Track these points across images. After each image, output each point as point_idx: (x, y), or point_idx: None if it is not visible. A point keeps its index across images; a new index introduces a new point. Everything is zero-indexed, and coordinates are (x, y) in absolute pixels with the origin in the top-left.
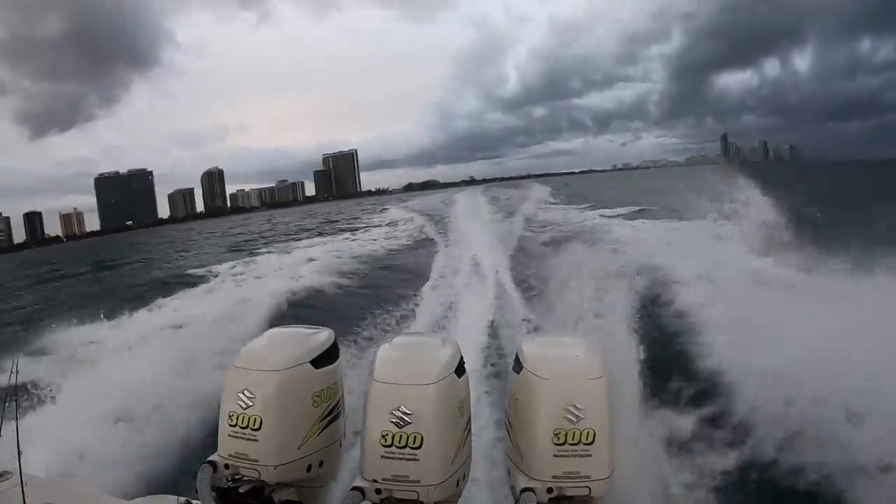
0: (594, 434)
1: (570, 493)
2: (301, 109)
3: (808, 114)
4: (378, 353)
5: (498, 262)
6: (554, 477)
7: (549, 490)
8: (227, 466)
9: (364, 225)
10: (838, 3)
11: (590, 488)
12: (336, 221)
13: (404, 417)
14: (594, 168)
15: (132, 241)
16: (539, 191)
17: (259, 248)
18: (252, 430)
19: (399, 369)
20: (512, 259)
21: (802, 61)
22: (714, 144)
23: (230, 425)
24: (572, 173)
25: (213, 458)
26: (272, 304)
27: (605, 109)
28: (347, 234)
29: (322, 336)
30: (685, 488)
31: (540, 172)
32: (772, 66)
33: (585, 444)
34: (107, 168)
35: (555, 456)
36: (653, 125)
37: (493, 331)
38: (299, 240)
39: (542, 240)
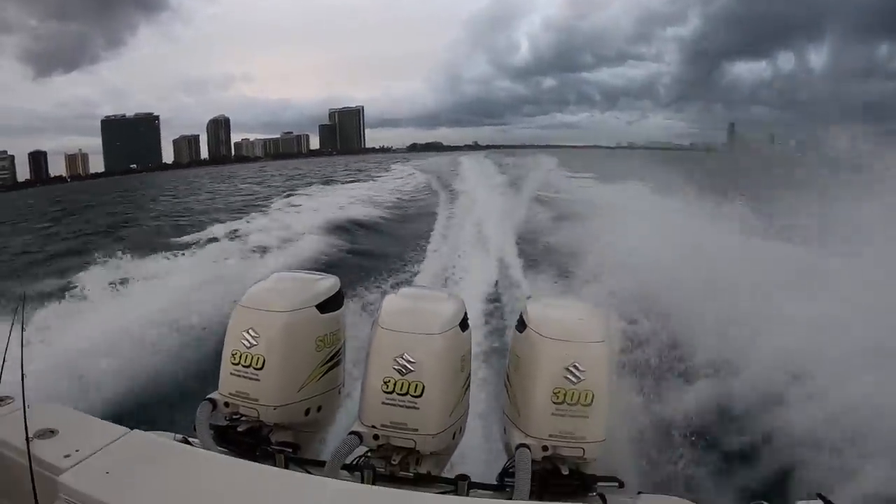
0: (593, 396)
1: (564, 452)
2: (308, 62)
3: (819, 112)
4: (384, 301)
5: (503, 228)
6: (550, 436)
7: (545, 448)
8: (226, 405)
9: (367, 178)
10: (858, 0)
11: (584, 449)
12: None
13: (407, 365)
14: (599, 144)
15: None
16: (547, 161)
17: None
18: (255, 369)
19: (405, 318)
20: (518, 226)
21: (818, 58)
22: (721, 132)
23: (233, 363)
24: (576, 147)
25: (212, 395)
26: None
27: (614, 86)
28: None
29: (328, 282)
30: (670, 462)
31: (543, 143)
32: (786, 60)
33: (584, 406)
34: (109, 111)
35: (552, 415)
36: (661, 107)
37: (495, 293)
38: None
39: (548, 209)
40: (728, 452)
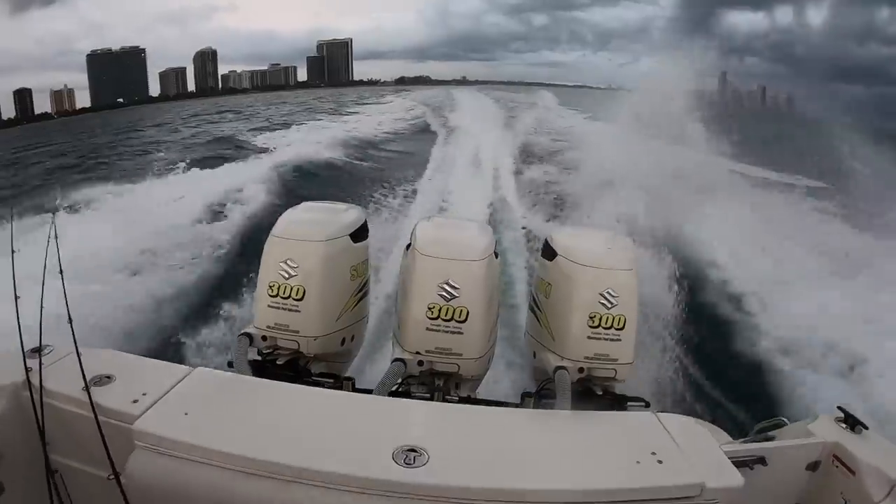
0: (625, 320)
1: (598, 374)
2: None
3: (813, 69)
4: (417, 229)
5: (500, 156)
6: (586, 357)
7: (581, 370)
8: (264, 338)
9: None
10: None
11: (616, 370)
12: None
13: (452, 291)
14: (588, 84)
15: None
16: (547, 98)
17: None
18: (294, 300)
19: (443, 246)
20: (515, 157)
21: (817, 15)
22: (713, 80)
23: (270, 296)
24: (566, 86)
25: (248, 329)
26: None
27: (607, 27)
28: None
29: (355, 212)
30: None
31: (532, 81)
32: (784, 14)
33: (617, 329)
34: (89, 45)
35: (588, 338)
36: (654, 51)
37: (491, 220)
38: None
39: (545, 142)
40: None
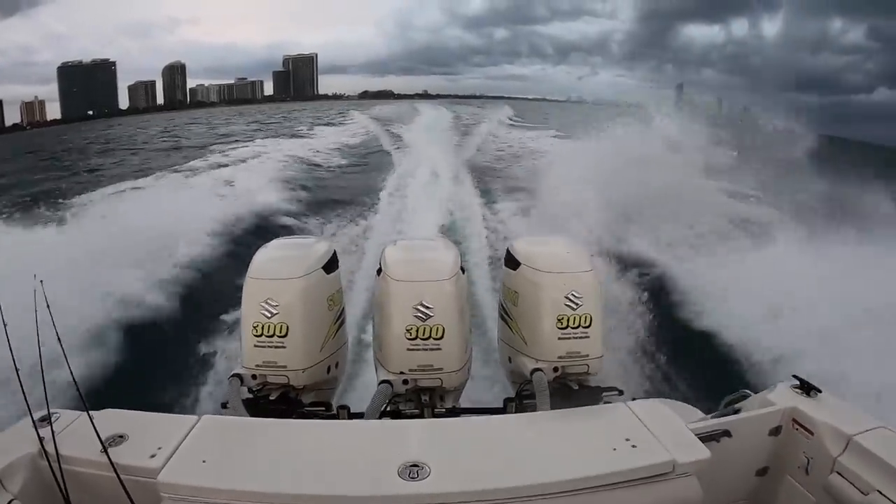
0: (591, 318)
1: (571, 371)
2: (256, 4)
3: (768, 80)
4: (386, 254)
5: (458, 170)
6: (559, 357)
7: (555, 369)
8: (254, 377)
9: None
10: None
11: (588, 365)
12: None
13: (427, 311)
14: (548, 97)
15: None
16: (504, 111)
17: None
18: (279, 337)
19: (413, 268)
20: (471, 169)
21: (771, 27)
22: (670, 91)
23: (255, 335)
24: (526, 99)
25: (237, 370)
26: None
27: (567, 41)
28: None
29: (324, 244)
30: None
31: (493, 94)
32: (740, 26)
33: (584, 328)
34: (49, 57)
35: (559, 339)
36: (613, 64)
37: (449, 233)
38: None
39: (500, 155)
40: None
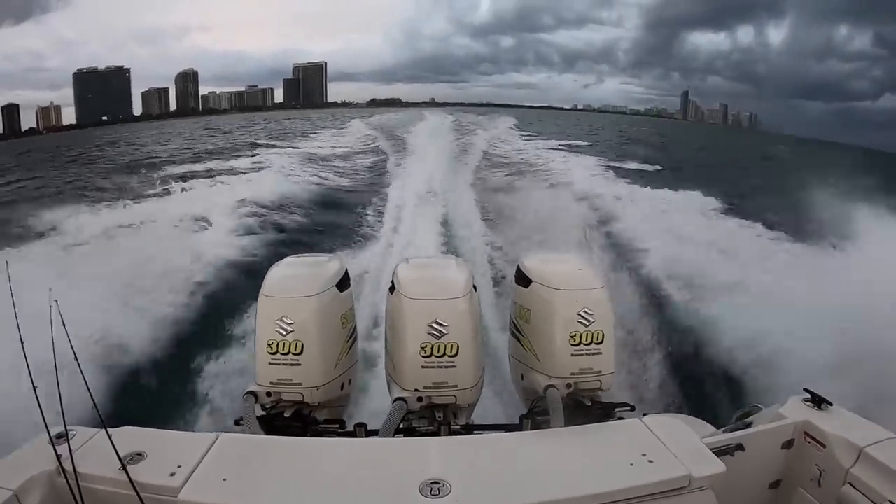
0: (603, 335)
1: (585, 386)
2: (265, 11)
3: (774, 87)
4: (398, 272)
5: (459, 185)
6: (572, 374)
7: (568, 385)
8: (268, 394)
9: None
10: None
11: (600, 381)
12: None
13: (441, 329)
14: (554, 105)
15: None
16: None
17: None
18: (294, 354)
19: (426, 286)
20: (474, 183)
21: (777, 34)
22: (676, 99)
23: (270, 353)
24: (532, 107)
25: (252, 388)
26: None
27: (573, 49)
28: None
29: (336, 262)
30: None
31: (500, 102)
32: (746, 34)
33: (596, 344)
34: (59, 63)
35: (572, 356)
36: (619, 71)
37: (449, 249)
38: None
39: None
40: None
